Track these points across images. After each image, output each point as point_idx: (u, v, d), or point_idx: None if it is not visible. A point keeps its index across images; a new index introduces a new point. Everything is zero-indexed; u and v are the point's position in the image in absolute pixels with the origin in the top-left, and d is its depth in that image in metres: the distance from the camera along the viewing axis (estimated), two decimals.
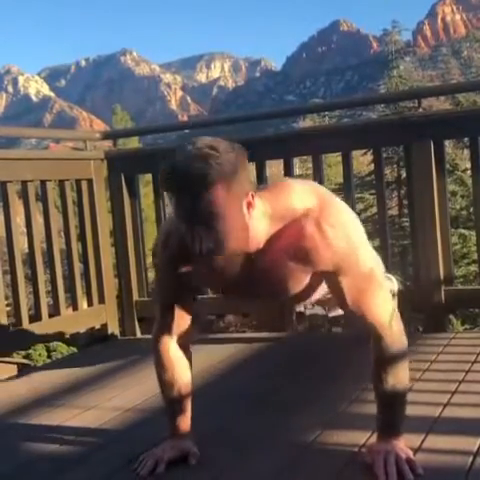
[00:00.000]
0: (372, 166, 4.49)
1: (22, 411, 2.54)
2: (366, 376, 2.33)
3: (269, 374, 2.77)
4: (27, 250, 3.47)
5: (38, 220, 3.48)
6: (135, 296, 3.82)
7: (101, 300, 3.75)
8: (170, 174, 1.52)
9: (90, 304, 3.76)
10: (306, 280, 1.74)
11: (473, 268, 16.32)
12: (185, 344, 1.87)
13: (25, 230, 3.43)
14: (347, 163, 3.46)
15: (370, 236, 1.82)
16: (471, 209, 14.61)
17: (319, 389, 2.46)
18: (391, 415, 1.72)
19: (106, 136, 4.13)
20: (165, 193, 1.57)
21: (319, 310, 2.28)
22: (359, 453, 1.79)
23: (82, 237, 3.75)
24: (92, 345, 3.82)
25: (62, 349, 11.33)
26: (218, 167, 1.49)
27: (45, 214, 3.53)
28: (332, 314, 2.03)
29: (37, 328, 3.39)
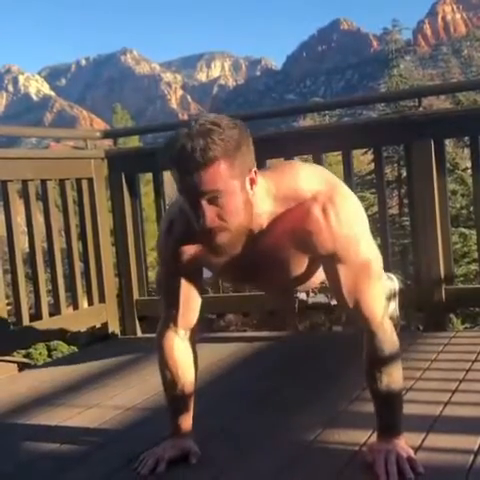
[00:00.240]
0: (372, 165, 4.49)
1: (23, 410, 2.54)
2: None
3: (269, 373, 2.77)
4: (28, 249, 3.48)
5: (39, 219, 3.48)
6: (136, 295, 3.82)
7: (102, 299, 3.75)
8: (173, 150, 1.52)
9: (91, 303, 3.76)
10: (305, 263, 1.74)
11: (473, 267, 16.33)
12: (191, 338, 1.86)
13: (26, 229, 3.43)
14: (347, 162, 3.45)
15: (371, 235, 1.82)
16: (471, 208, 14.61)
17: (320, 388, 2.46)
18: (389, 415, 1.72)
19: (106, 135, 4.13)
20: (169, 171, 1.57)
21: (322, 298, 2.27)
22: (360, 452, 1.79)
23: (83, 236, 3.75)
24: (93, 344, 3.82)
25: (63, 348, 11.35)
26: (221, 143, 1.50)
27: (46, 213, 3.53)
28: (334, 302, 2.02)
29: (38, 327, 3.39)
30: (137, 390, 2.61)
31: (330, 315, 3.70)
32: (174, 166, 1.54)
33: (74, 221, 3.69)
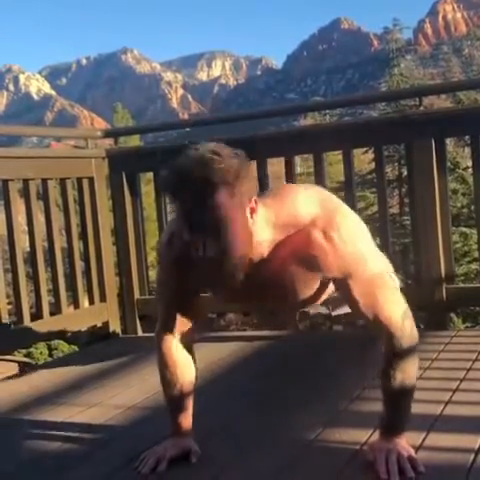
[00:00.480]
0: (373, 164, 4.48)
1: (24, 409, 2.54)
2: (367, 374, 2.33)
3: (270, 372, 2.77)
4: (28, 248, 3.48)
5: (39, 218, 3.48)
6: (136, 294, 3.82)
7: (102, 298, 3.75)
8: (172, 179, 1.52)
9: (91, 302, 3.76)
10: (316, 285, 1.75)
11: (474, 266, 16.33)
12: (188, 343, 1.87)
13: (26, 228, 3.43)
14: (348, 161, 3.45)
15: (371, 235, 1.82)
16: (472, 207, 14.61)
17: (320, 387, 2.46)
18: (396, 414, 1.72)
19: (107, 134, 4.13)
20: (167, 197, 1.56)
21: (323, 309, 2.28)
22: (360, 451, 1.79)
23: (83, 235, 3.75)
24: (93, 343, 3.83)
25: (63, 347, 11.34)
26: (221, 172, 1.49)
27: (46, 212, 3.54)
28: (335, 313, 2.03)
29: (38, 326, 3.39)
30: (138, 389, 2.61)
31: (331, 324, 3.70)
32: (172, 194, 1.53)
33: (75, 220, 3.69)
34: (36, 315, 3.41)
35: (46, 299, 3.44)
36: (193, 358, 1.88)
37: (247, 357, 3.06)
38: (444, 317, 3.29)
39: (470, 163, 4.33)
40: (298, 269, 1.67)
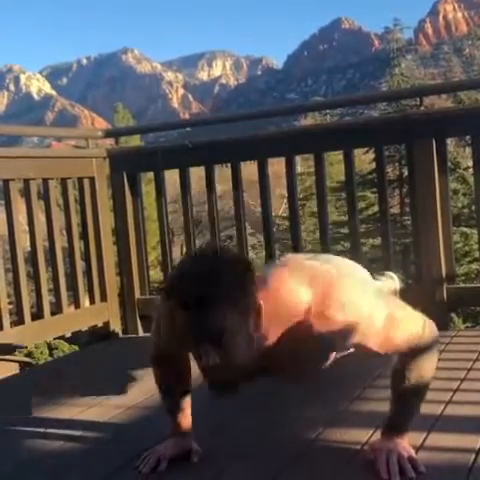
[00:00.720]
0: (374, 164, 4.49)
1: (23, 410, 2.54)
2: (367, 374, 2.33)
3: None
4: (29, 248, 3.48)
5: (40, 218, 3.48)
6: (137, 294, 3.82)
7: (103, 298, 3.76)
8: (176, 291, 1.50)
9: (92, 302, 3.76)
10: (332, 356, 1.76)
11: (475, 266, 16.35)
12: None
13: (27, 228, 3.44)
14: (349, 161, 3.45)
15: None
16: (473, 207, 14.61)
17: (320, 387, 2.46)
18: (405, 413, 1.72)
19: (108, 134, 4.13)
20: (171, 304, 1.53)
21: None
22: (361, 451, 1.79)
23: (84, 235, 3.75)
24: (94, 343, 3.83)
25: (64, 347, 11.36)
26: (224, 283, 1.47)
27: (47, 212, 3.54)
28: (340, 355, 2.04)
29: (39, 326, 3.39)
30: (139, 389, 2.61)
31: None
32: (178, 307, 1.50)
33: (76, 220, 3.69)
34: (37, 315, 3.41)
35: (47, 299, 3.44)
36: (188, 367, 1.87)
37: None
38: (445, 317, 3.28)
39: (471, 163, 4.33)
40: (309, 353, 1.68)
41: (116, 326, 3.81)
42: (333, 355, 1.77)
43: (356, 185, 3.63)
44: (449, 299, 3.22)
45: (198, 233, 4.41)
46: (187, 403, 1.88)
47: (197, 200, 4.08)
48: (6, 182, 3.27)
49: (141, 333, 3.80)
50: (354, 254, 3.48)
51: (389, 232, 3.52)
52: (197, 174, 4.10)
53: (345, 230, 9.56)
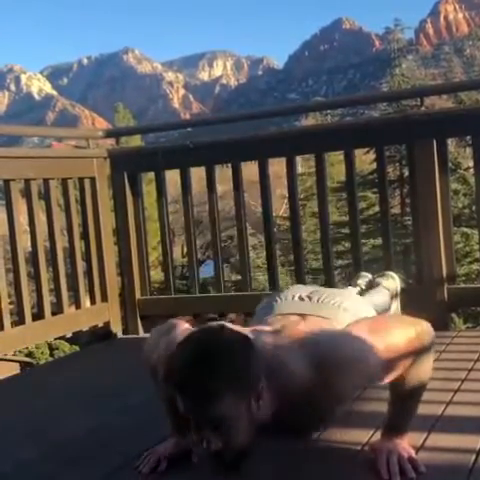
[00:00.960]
0: (374, 165, 4.49)
1: (24, 409, 2.55)
2: None
3: None
4: (30, 248, 3.48)
5: (41, 218, 3.48)
6: (138, 294, 3.82)
7: (104, 298, 3.75)
8: (176, 376, 1.48)
9: (93, 302, 3.76)
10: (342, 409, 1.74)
11: (475, 267, 16.35)
12: None
13: (28, 228, 3.44)
14: (349, 162, 3.45)
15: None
16: (473, 208, 14.59)
17: None
18: (403, 414, 1.72)
19: (108, 134, 4.13)
20: (171, 390, 1.52)
21: None
22: (362, 452, 1.79)
23: (85, 235, 3.75)
24: (94, 343, 3.83)
25: (64, 347, 11.36)
26: (224, 375, 1.45)
27: (48, 212, 3.54)
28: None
29: (40, 326, 3.39)
30: (138, 389, 2.60)
31: None
32: (178, 396, 1.49)
33: (76, 220, 3.69)
34: (37, 315, 3.41)
35: (47, 299, 3.44)
36: None
37: None
38: (445, 317, 3.29)
39: (471, 163, 4.33)
40: (312, 421, 1.69)
41: (117, 326, 3.81)
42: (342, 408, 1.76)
43: (357, 185, 3.63)
44: (450, 299, 3.22)
45: (199, 233, 4.41)
46: None
47: (198, 200, 4.08)
48: (7, 182, 3.27)
49: (142, 333, 3.80)
50: (355, 254, 3.49)
51: (390, 232, 3.52)
52: (198, 174, 4.10)
53: (346, 230, 9.56)
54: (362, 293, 2.68)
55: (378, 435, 1.78)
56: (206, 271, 8.25)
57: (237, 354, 1.49)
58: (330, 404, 1.65)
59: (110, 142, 4.31)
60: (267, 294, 3.39)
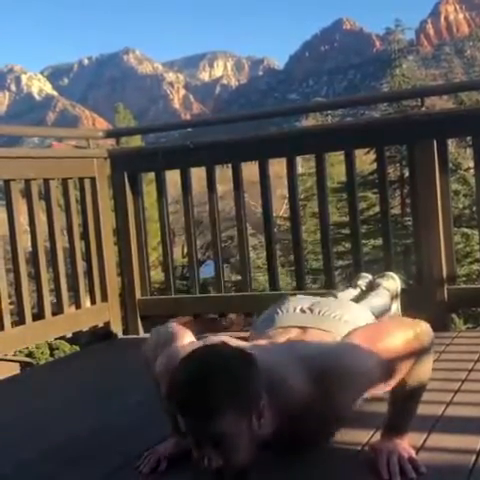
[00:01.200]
0: (375, 165, 4.49)
1: (24, 410, 2.55)
2: None
3: None
4: (30, 248, 3.48)
5: (41, 218, 3.48)
6: (138, 295, 3.82)
7: (104, 298, 3.75)
8: (176, 395, 1.49)
9: (93, 302, 3.76)
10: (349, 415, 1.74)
11: (476, 267, 16.34)
12: None
13: (28, 228, 3.44)
14: (350, 162, 3.45)
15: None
16: (474, 208, 14.59)
17: None
18: (403, 415, 1.72)
19: (109, 135, 4.14)
20: (172, 407, 1.53)
21: None
22: (362, 452, 1.79)
23: (85, 235, 3.75)
24: (95, 343, 3.83)
25: (65, 347, 11.34)
26: (225, 388, 1.46)
27: (48, 212, 3.54)
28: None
29: (40, 326, 3.39)
30: (139, 389, 2.60)
31: None
32: (179, 414, 1.50)
33: (77, 220, 3.69)
34: (38, 315, 3.41)
35: (48, 299, 3.44)
36: None
37: None
38: (445, 318, 3.29)
39: (472, 164, 4.33)
40: (314, 435, 1.70)
41: (117, 326, 3.81)
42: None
43: (357, 186, 3.63)
44: (450, 300, 3.22)
45: (199, 234, 4.41)
46: None
47: (198, 201, 4.08)
48: (7, 182, 3.27)
49: (142, 334, 3.80)
50: (355, 255, 3.49)
51: (390, 233, 3.52)
52: (198, 174, 4.10)
53: (346, 231, 9.55)
54: (362, 294, 2.68)
55: (378, 435, 1.78)
56: (206, 271, 8.24)
57: (238, 371, 1.49)
58: (331, 417, 1.66)
59: (110, 142, 4.31)
60: (267, 295, 3.39)
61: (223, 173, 4.64)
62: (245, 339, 2.02)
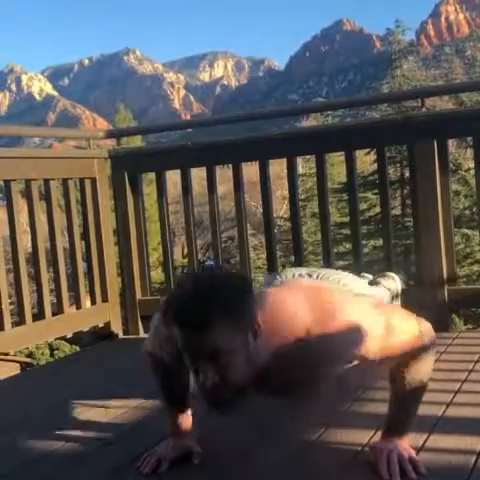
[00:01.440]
0: (375, 165, 4.49)
1: (25, 410, 2.55)
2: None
3: None
4: (30, 249, 3.48)
5: (41, 219, 3.48)
6: (138, 295, 3.82)
7: (104, 299, 3.75)
8: (174, 311, 1.50)
9: (93, 302, 3.76)
10: (334, 375, 1.75)
11: (476, 268, 16.34)
12: None
13: (28, 229, 3.44)
14: (350, 162, 3.45)
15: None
16: (474, 209, 14.61)
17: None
18: (403, 415, 1.72)
19: (109, 135, 4.14)
20: (169, 327, 1.54)
21: None
22: (362, 452, 1.79)
23: (85, 236, 3.75)
24: (95, 344, 3.82)
25: (65, 348, 11.34)
26: (222, 304, 1.48)
27: (48, 213, 3.54)
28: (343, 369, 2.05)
29: (40, 326, 3.39)
30: (139, 390, 2.61)
31: None
32: (175, 325, 1.51)
33: (77, 220, 3.69)
34: (38, 315, 3.41)
35: (48, 299, 3.44)
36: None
37: None
38: (446, 318, 3.28)
39: (472, 164, 4.33)
40: (307, 381, 1.70)
41: (117, 327, 3.81)
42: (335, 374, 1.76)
43: (357, 186, 3.63)
44: (450, 300, 3.22)
45: (199, 234, 4.41)
46: (187, 403, 1.88)
47: (198, 201, 4.08)
48: (7, 182, 3.27)
49: (142, 334, 3.79)
50: (355, 255, 3.48)
51: (390, 233, 3.52)
52: (198, 175, 4.10)
53: (347, 231, 9.56)
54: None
55: (378, 435, 1.78)
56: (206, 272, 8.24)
57: (234, 289, 1.53)
58: (317, 367, 1.65)
59: (111, 142, 4.32)
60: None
61: (223, 173, 4.64)
62: None
